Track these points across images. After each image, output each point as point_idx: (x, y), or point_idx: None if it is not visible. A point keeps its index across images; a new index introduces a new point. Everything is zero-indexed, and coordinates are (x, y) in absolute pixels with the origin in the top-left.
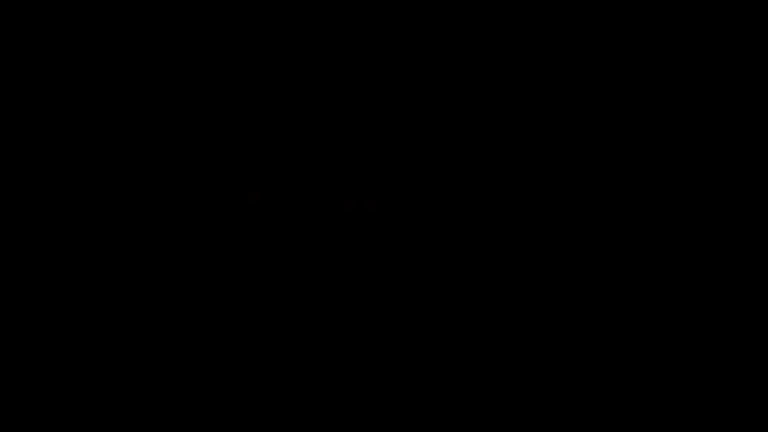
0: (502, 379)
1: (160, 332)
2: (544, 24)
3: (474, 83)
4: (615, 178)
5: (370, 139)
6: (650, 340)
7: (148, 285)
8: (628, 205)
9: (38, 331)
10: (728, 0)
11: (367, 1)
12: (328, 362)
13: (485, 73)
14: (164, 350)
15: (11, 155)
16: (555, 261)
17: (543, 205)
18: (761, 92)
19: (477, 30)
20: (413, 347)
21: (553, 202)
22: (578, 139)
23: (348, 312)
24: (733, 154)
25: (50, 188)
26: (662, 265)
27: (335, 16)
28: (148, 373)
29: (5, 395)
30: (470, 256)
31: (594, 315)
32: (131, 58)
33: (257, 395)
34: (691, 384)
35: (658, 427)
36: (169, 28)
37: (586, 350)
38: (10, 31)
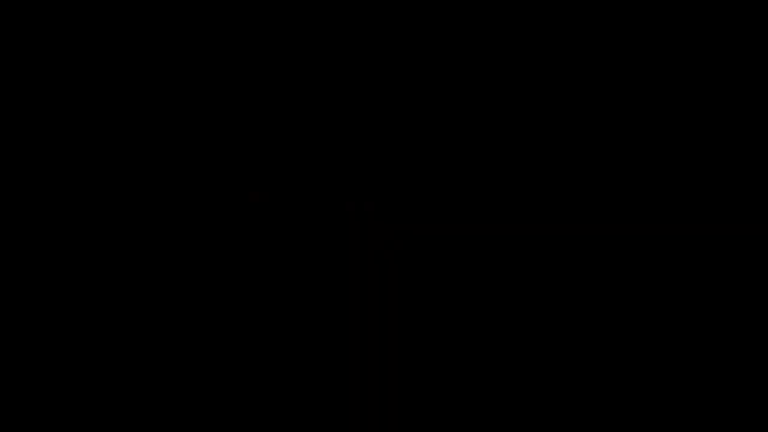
0: (501, 379)
1: (160, 332)
2: (544, 24)
3: (473, 83)
4: (615, 178)
5: (370, 140)
6: (650, 340)
7: (148, 285)
8: (628, 205)
9: (38, 331)
10: (728, 0)
11: (367, 1)
12: (328, 362)
13: (485, 73)
14: (164, 350)
15: (11, 155)
16: (555, 261)
17: (543, 205)
18: (761, 92)
19: (476, 30)
20: (413, 347)
21: (553, 202)
22: (578, 139)
23: (348, 312)
24: (733, 154)
25: (50, 188)
26: (662, 265)
27: (335, 16)
28: (149, 373)
29: (5, 395)
30: (470, 256)
31: (594, 315)
32: (131, 58)
33: (257, 395)
34: (691, 384)
35: (658, 427)
36: (169, 28)
37: (586, 350)
38: (10, 31)
